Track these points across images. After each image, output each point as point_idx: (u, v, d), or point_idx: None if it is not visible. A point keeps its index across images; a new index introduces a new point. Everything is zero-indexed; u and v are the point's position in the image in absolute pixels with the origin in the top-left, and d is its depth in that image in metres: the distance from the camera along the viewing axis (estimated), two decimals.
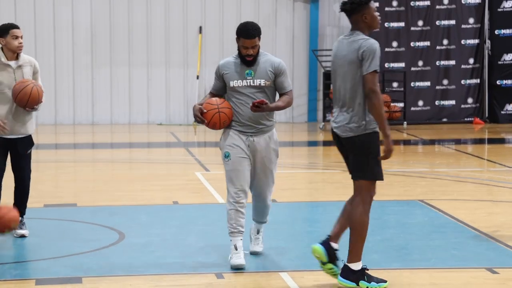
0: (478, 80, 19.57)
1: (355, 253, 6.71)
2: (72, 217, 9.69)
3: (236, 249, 7.36)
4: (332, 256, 6.76)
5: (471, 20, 19.38)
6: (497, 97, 19.45)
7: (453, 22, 19.41)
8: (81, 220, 9.50)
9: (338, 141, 6.77)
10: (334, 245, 6.77)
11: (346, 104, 6.61)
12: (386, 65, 19.29)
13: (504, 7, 19.19)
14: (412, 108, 19.58)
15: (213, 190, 11.17)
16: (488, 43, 19.37)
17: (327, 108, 19.04)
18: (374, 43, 6.49)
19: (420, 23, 19.40)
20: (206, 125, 7.35)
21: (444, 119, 19.60)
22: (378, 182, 6.70)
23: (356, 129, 6.56)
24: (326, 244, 6.78)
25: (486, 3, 19.33)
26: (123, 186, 11.67)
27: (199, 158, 14.28)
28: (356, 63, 6.53)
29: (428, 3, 19.32)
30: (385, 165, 6.67)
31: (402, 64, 19.43)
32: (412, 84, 19.54)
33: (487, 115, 19.54)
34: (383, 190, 11.02)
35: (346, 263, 6.72)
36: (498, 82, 19.38)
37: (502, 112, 19.39)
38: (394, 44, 19.45)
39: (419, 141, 17.27)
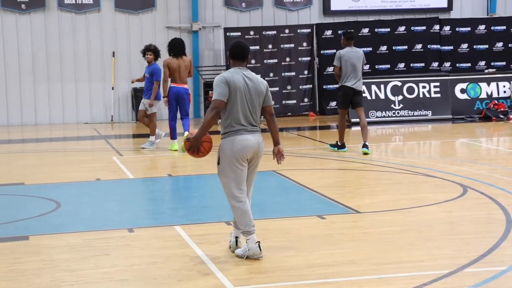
0: (311, 86, 19.88)
1: (367, 135, 11.57)
2: (20, 193, 9.41)
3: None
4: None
5: (305, 44, 19.69)
6: (324, 97, 19.78)
7: (292, 45, 19.66)
8: (27, 194, 9.25)
9: (353, 93, 11.45)
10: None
11: (358, 74, 11.40)
12: None
13: (326, 34, 19.53)
14: None
15: (125, 169, 11.02)
16: (316, 59, 19.69)
17: None
18: None
19: (270, 46, 19.58)
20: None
21: (289, 113, 19.81)
22: None
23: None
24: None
25: (314, 32, 19.65)
26: (58, 168, 11.38)
27: (115, 146, 14.03)
28: None
29: (274, 32, 19.54)
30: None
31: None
32: None
33: (317, 109, 19.86)
34: None
35: (365, 142, 11.46)
36: (324, 87, 19.71)
37: (328, 108, 19.74)
38: (253, 61, 19.52)
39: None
